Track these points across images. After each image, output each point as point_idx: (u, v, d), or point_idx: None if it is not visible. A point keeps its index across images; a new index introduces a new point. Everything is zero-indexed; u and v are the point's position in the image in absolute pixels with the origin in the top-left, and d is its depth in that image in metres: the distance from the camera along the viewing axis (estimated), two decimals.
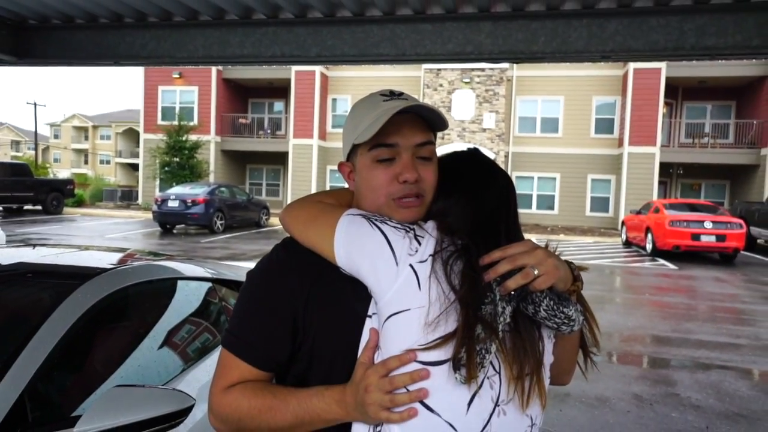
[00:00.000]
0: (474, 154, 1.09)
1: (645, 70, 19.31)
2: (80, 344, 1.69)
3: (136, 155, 34.01)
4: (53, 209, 20.16)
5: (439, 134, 1.08)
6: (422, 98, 20.11)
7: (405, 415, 0.86)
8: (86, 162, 58.05)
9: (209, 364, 2.00)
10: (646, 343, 6.05)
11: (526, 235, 1.02)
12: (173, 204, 15.31)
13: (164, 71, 23.09)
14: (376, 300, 0.93)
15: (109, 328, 1.90)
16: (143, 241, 13.84)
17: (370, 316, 0.95)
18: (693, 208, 13.84)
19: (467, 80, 20.46)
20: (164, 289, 2.17)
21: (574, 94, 21.04)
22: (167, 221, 15.68)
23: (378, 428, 0.90)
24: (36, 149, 38.91)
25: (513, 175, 20.36)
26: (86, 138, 58.60)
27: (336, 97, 23.22)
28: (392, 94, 1.03)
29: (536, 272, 0.87)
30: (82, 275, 1.82)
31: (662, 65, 19.14)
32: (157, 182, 22.10)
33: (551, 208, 21.34)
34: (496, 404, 0.88)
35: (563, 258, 0.95)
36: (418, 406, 0.86)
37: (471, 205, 0.99)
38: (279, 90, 23.89)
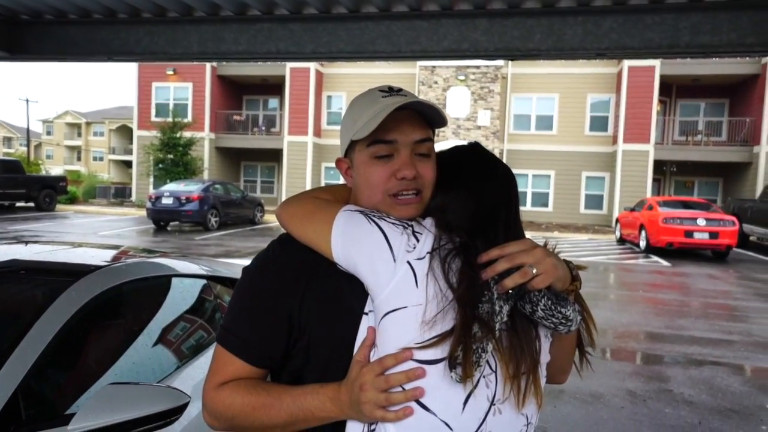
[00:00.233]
0: (475, 147, 1.08)
1: (639, 68, 19.39)
2: (74, 342, 1.68)
3: (130, 152, 33.79)
4: (46, 206, 20.03)
5: None
6: (417, 95, 20.12)
7: (400, 414, 0.85)
8: (79, 159, 57.71)
9: (204, 361, 1.99)
10: (640, 340, 6.08)
11: None
12: (167, 201, 15.24)
13: (158, 67, 22.96)
14: (372, 297, 0.92)
15: (104, 326, 1.89)
16: (137, 239, 13.78)
17: (366, 314, 0.94)
18: (686, 205, 13.92)
19: (462, 77, 20.47)
20: (159, 286, 2.16)
21: (569, 91, 21.09)
22: (161, 218, 15.62)
23: (372, 427, 0.89)
24: (28, 146, 38.65)
25: None
26: (79, 135, 58.24)
27: (331, 94, 23.17)
28: (391, 90, 1.02)
29: (534, 271, 0.87)
30: (75, 272, 1.80)
31: (656, 63, 19.22)
32: (151, 179, 22.00)
33: (546, 205, 21.41)
34: (492, 403, 0.87)
35: (562, 257, 0.95)
36: (413, 404, 0.85)
37: (471, 200, 0.98)
38: (274, 87, 23.82)
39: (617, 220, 16.36)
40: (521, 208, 1.08)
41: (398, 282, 0.88)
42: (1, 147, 60.89)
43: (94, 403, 1.39)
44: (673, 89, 21.25)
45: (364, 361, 0.90)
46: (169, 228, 15.96)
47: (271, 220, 18.77)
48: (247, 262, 1.16)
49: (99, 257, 2.26)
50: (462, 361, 0.83)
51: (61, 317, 1.59)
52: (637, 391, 4.40)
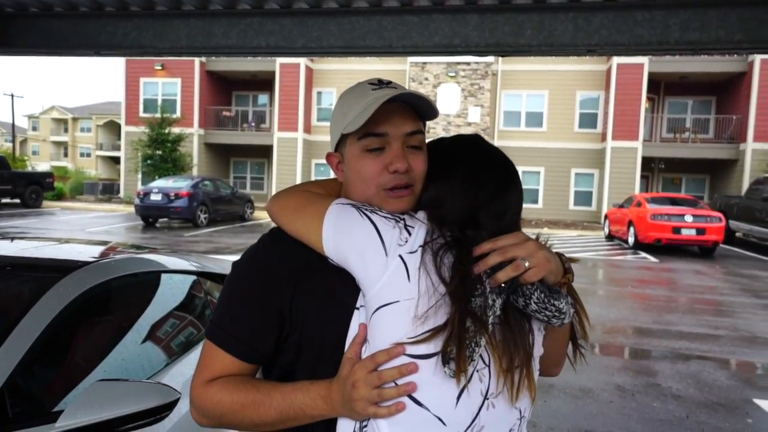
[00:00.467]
0: (475, 139, 1.05)
1: (628, 65, 19.52)
2: (62, 338, 1.65)
3: (118, 148, 33.51)
4: (32, 203, 19.78)
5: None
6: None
7: (393, 410, 0.84)
8: (66, 155, 57.00)
9: (194, 357, 1.97)
10: (628, 335, 6.13)
11: None
12: (156, 197, 15.11)
13: (146, 62, 22.73)
14: (364, 291, 0.91)
15: (92, 322, 1.86)
16: (126, 235, 13.66)
17: (358, 308, 0.94)
18: (674, 202, 14.06)
19: (453, 74, 20.48)
20: (148, 282, 2.14)
21: (559, 88, 21.19)
22: (150, 215, 15.49)
23: (364, 424, 0.88)
24: (14, 141, 38.07)
25: None
26: (66, 130, 57.53)
27: (321, 90, 23.08)
28: (381, 83, 1.01)
29: (527, 264, 0.86)
30: (63, 268, 1.78)
31: (645, 61, 19.35)
32: (140, 175, 21.80)
33: (535, 201, 21.51)
34: (485, 397, 0.87)
35: (554, 250, 0.95)
36: (406, 400, 0.85)
37: (466, 195, 0.96)
38: (263, 83, 23.68)
39: (606, 217, 16.47)
40: None
41: (390, 276, 0.87)
42: None
43: (83, 400, 1.37)
44: (661, 87, 21.43)
45: (355, 358, 0.89)
46: (157, 225, 15.83)
47: (261, 216, 18.69)
48: (236, 258, 1.15)
49: (87, 253, 2.23)
50: (455, 356, 0.83)
51: (49, 314, 1.56)
52: (626, 385, 4.44)
